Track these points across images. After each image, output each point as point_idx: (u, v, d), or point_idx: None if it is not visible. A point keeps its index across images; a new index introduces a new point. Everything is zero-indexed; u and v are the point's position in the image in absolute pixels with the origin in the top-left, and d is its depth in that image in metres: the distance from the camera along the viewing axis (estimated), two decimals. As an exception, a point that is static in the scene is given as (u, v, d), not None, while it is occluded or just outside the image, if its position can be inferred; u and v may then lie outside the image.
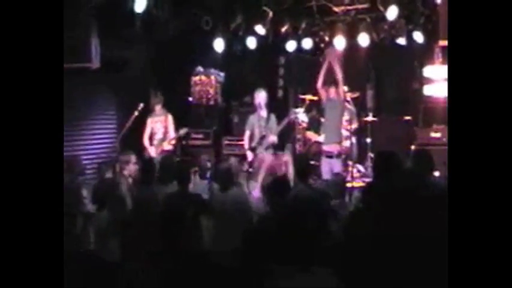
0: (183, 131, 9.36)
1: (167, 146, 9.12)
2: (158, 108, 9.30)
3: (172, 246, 5.14)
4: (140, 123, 9.25)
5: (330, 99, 8.85)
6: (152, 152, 9.11)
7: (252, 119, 9.13)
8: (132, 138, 9.21)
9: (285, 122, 9.07)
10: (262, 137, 8.90)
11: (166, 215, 5.41)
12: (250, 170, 8.55)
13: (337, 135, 8.90)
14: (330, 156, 8.73)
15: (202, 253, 5.45)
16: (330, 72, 8.83)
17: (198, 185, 6.95)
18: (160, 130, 9.25)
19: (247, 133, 9.13)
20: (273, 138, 8.85)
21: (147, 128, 9.31)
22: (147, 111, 9.31)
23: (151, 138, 9.31)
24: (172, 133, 9.22)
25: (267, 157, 8.83)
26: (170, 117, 9.31)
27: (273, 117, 9.01)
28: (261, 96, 9.02)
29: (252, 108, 9.37)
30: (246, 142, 9.13)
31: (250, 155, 8.91)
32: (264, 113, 9.00)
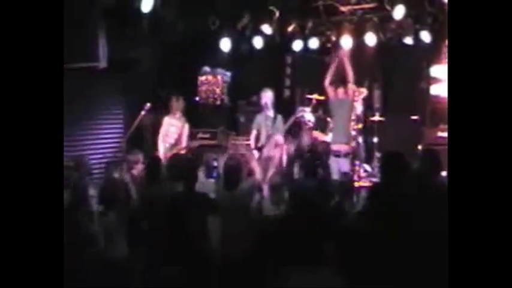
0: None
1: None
2: (178, 113, 9.17)
3: (179, 246, 5.15)
4: (147, 123, 9.25)
5: (338, 99, 8.84)
6: (162, 151, 9.03)
7: (259, 118, 9.12)
8: (139, 138, 9.22)
9: (291, 120, 9.07)
10: (269, 136, 8.90)
11: (173, 215, 5.41)
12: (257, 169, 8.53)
13: (345, 135, 8.88)
14: (337, 155, 8.72)
15: (208, 252, 5.45)
16: (339, 71, 8.82)
17: (204, 184, 6.93)
18: (174, 136, 9.09)
19: (253, 133, 9.12)
20: (279, 137, 8.85)
21: (163, 127, 9.17)
22: (155, 111, 9.29)
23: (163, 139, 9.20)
24: (184, 143, 9.13)
25: (274, 156, 8.83)
26: (187, 127, 9.21)
27: (279, 117, 9.00)
28: (267, 96, 9.01)
29: (259, 107, 9.36)
30: (252, 142, 9.12)
31: (257, 154, 8.91)
32: (270, 113, 8.99)
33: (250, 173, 6.26)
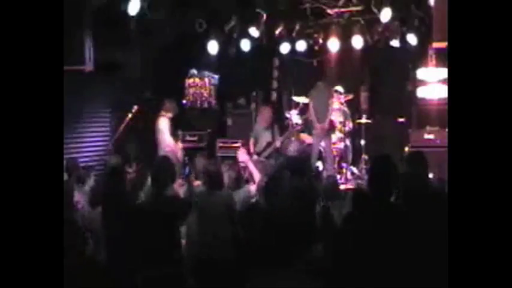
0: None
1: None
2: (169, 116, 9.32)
3: (154, 249, 5.12)
4: (134, 126, 9.23)
5: None
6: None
7: (257, 127, 9.42)
8: (125, 141, 9.20)
9: (287, 134, 9.53)
10: (268, 145, 9.17)
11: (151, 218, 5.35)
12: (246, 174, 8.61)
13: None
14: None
15: (183, 256, 5.45)
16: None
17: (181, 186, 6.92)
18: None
19: (251, 140, 9.35)
20: (276, 146, 9.16)
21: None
22: (141, 114, 9.27)
23: None
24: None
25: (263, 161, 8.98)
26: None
27: (276, 128, 9.35)
28: (267, 114, 9.35)
29: (246, 110, 9.42)
30: (251, 148, 9.27)
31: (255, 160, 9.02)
32: (268, 127, 9.34)
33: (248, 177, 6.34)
